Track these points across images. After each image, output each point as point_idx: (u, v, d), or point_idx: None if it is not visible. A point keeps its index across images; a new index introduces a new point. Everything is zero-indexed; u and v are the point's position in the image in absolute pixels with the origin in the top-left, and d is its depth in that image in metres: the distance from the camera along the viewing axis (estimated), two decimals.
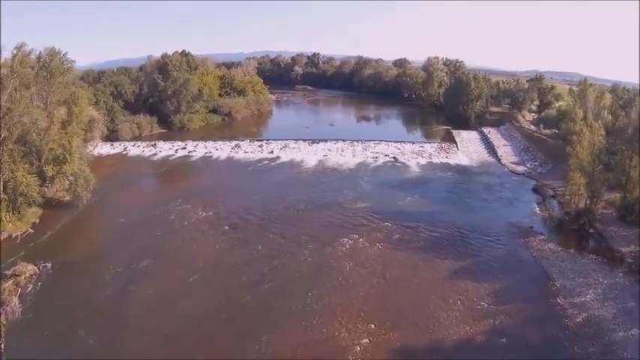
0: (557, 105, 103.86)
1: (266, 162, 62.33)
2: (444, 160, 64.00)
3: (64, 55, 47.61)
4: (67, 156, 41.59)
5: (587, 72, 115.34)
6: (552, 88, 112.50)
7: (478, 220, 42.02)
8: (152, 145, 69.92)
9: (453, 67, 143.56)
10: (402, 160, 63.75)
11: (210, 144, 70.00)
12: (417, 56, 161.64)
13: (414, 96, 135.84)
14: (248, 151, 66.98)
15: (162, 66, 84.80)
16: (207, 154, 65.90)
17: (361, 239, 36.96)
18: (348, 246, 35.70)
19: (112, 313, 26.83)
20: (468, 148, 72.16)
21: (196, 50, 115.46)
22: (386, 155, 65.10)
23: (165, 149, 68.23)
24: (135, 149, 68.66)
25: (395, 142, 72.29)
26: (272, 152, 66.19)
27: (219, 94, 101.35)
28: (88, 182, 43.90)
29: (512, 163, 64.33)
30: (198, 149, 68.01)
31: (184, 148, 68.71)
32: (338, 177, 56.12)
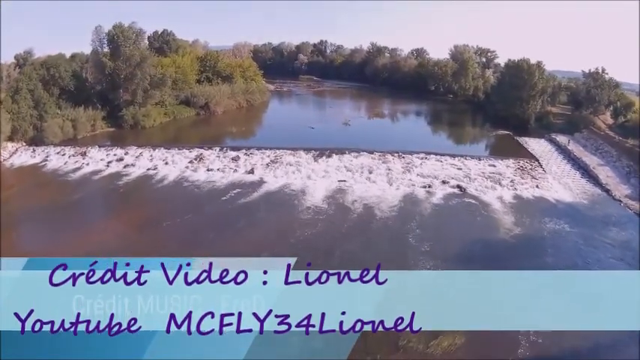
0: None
1: (238, 192, 35.72)
2: (537, 193, 38.53)
3: None
4: None
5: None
6: (617, 85, 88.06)
7: None
8: (81, 154, 46.43)
9: (485, 57, 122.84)
10: (473, 191, 37.98)
11: (160, 154, 45.16)
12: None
13: (442, 89, 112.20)
14: (214, 168, 41.69)
15: (113, 40, 60.19)
16: (150, 172, 41.28)
17: None
18: None
19: None
20: (553, 169, 47.31)
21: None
22: (444, 182, 39.35)
23: (96, 161, 44.88)
24: (57, 160, 45.55)
25: (450, 155, 46.35)
26: (252, 172, 40.80)
27: (198, 81, 76.96)
28: None
29: (627, 197, 39.82)
30: (140, 162, 43.60)
31: (121, 159, 44.58)
32: (370, 237, 28.22)
